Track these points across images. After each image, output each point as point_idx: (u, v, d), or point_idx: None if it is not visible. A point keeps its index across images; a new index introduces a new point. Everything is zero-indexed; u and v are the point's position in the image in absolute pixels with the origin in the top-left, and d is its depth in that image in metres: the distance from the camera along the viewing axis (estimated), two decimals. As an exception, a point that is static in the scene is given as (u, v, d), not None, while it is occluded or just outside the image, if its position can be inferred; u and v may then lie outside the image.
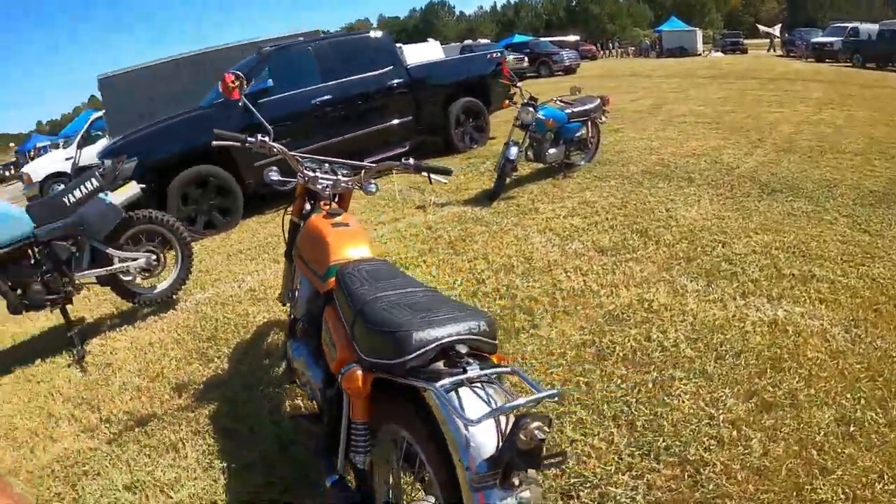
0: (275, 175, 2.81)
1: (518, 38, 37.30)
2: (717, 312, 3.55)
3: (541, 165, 6.83)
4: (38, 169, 13.78)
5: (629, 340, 3.29)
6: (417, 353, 1.50)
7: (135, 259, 4.39)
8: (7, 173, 31.49)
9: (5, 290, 3.89)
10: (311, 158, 2.87)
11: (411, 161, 2.63)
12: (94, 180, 4.18)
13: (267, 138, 2.79)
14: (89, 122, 13.87)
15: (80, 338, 4.21)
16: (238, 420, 3.15)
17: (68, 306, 4.24)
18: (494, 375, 1.51)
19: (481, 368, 1.48)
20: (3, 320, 4.87)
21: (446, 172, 2.69)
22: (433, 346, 1.50)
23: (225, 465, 2.81)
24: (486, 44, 29.36)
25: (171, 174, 5.92)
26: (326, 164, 2.80)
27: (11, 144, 52.64)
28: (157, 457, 2.96)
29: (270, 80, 6.56)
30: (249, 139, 2.76)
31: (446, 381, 1.44)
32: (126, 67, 10.17)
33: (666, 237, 4.80)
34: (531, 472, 1.33)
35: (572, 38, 39.25)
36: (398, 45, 10.01)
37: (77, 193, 4.11)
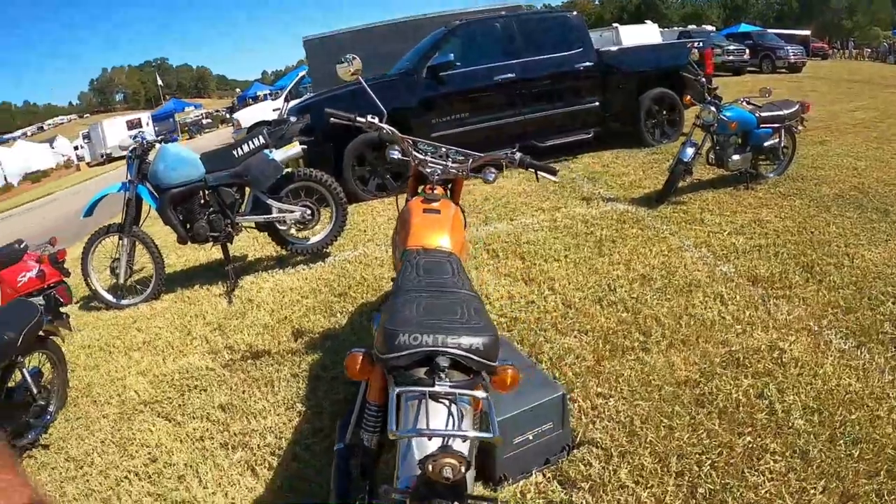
0: (395, 154, 3.00)
1: (744, 28, 32.93)
2: (854, 384, 2.87)
3: (724, 172, 6.10)
4: (247, 116, 15.88)
5: (737, 392, 2.86)
6: (399, 353, 1.60)
7: (291, 211, 5.19)
8: (228, 115, 37.19)
9: (175, 224, 5.02)
10: (428, 143, 3.05)
11: (517, 155, 2.74)
12: (261, 137, 5.05)
13: (376, 119, 3.05)
14: (298, 78, 15.79)
15: (235, 273, 5.17)
16: (329, 370, 3.65)
17: (229, 245, 5.23)
18: (465, 396, 1.57)
19: (452, 386, 1.54)
20: (176, 248, 6.14)
21: (551, 172, 2.74)
22: (416, 351, 1.59)
23: (304, 408, 3.31)
24: (707, 31, 27.34)
25: (353, 135, 6.68)
26: (442, 149, 2.96)
27: (238, 90, 62.18)
28: (255, 388, 3.60)
29: (452, 53, 6.85)
30: (359, 119, 3.05)
31: (409, 388, 1.55)
32: (330, 31, 11.49)
33: (832, 278, 3.97)
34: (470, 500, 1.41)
35: (803, 32, 34.43)
36: (614, 25, 9.37)
37: (245, 147, 5.03)
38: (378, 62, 8.22)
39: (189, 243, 5.18)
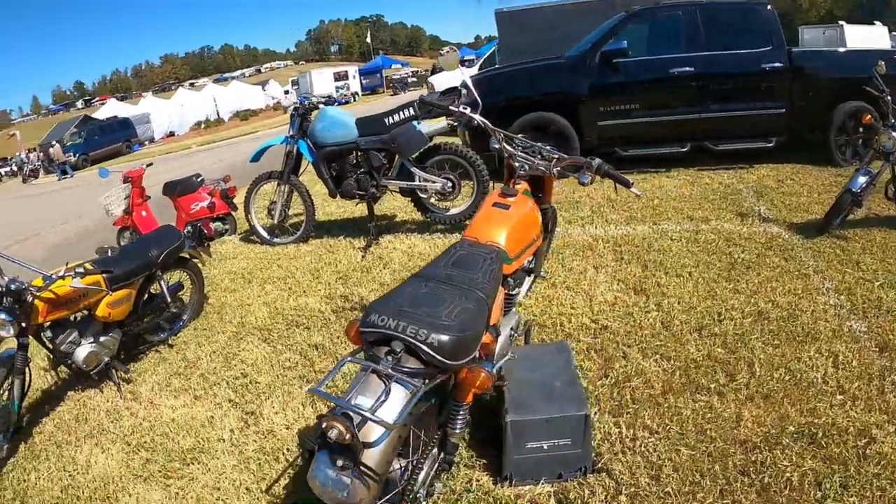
0: (496, 144, 3.13)
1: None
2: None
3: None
4: (442, 80, 16.17)
5: (793, 472, 2.49)
6: (365, 329, 1.97)
7: (433, 181, 5.61)
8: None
9: (327, 178, 5.73)
10: (523, 139, 3.15)
11: (596, 161, 2.74)
12: (411, 109, 5.53)
13: (468, 110, 3.30)
14: (493, 49, 15.84)
15: (376, 231, 5.76)
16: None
17: (374, 205, 5.83)
18: (406, 381, 1.87)
19: (393, 369, 1.84)
20: (331, 202, 6.84)
21: (625, 184, 2.72)
22: (377, 331, 1.94)
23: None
24: None
25: (516, 114, 6.84)
26: (537, 146, 3.07)
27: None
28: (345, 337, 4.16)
29: (626, 40, 6.66)
30: (452, 108, 3.35)
31: (355, 360, 1.98)
32: (521, 4, 11.43)
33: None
34: (362, 468, 1.75)
35: None
36: (840, 23, 8.29)
37: (396, 117, 5.55)
38: (560, 42, 8.27)
39: (338, 198, 5.82)
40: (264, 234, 6.41)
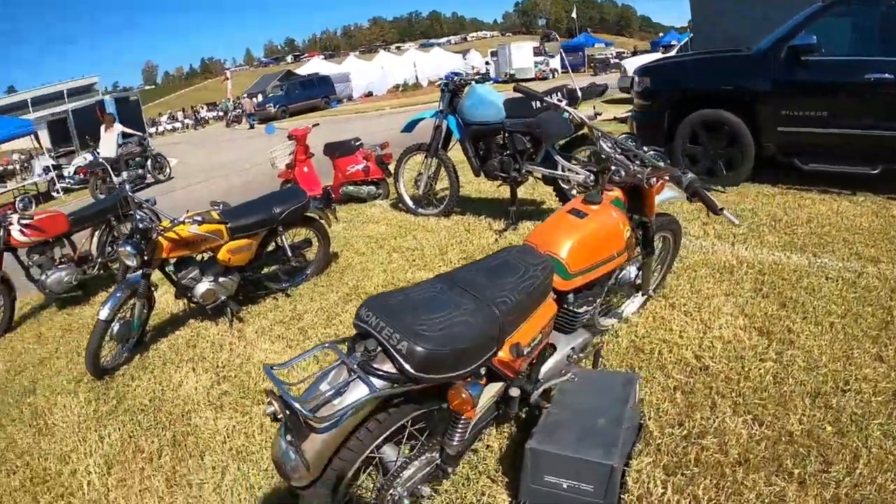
0: (606, 144, 3.09)
1: None
2: None
3: None
4: (635, 64, 15.53)
5: None
6: (355, 320, 2.09)
7: (576, 173, 5.63)
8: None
9: (472, 156, 5.95)
10: (623, 138, 3.11)
11: (688, 176, 2.61)
12: (559, 94, 5.57)
13: (563, 102, 3.40)
14: (689, 38, 14.89)
15: (515, 216, 5.87)
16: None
17: (517, 188, 5.93)
18: (364, 378, 1.92)
19: (360, 366, 1.95)
20: (474, 181, 7.01)
21: (713, 209, 2.54)
22: (359, 325, 2.06)
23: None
24: None
25: (689, 108, 6.52)
26: (641, 150, 2.99)
27: (660, 34, 57.47)
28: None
29: (815, 36, 5.96)
30: (547, 98, 3.40)
31: (333, 346, 2.12)
32: None
33: None
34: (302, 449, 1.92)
35: None
36: None
37: (544, 101, 5.63)
38: (760, 32, 7.60)
39: (480, 177, 6.06)
40: (410, 203, 6.85)
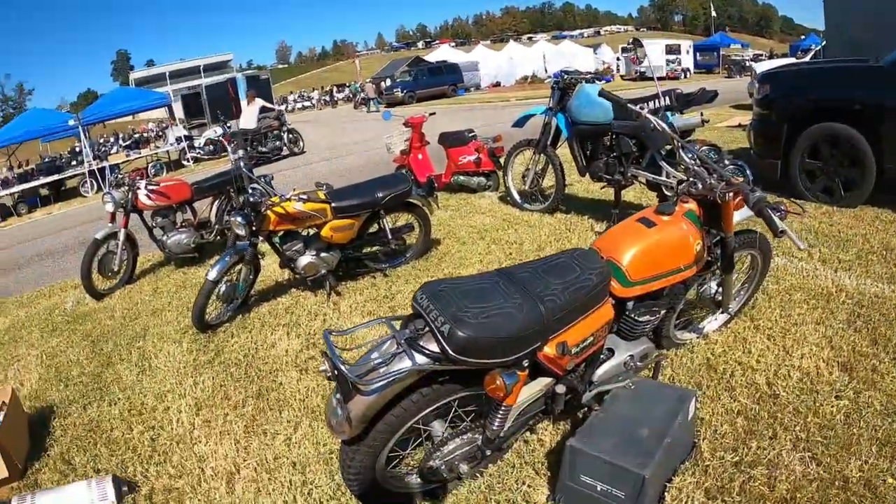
0: (686, 155, 3.12)
1: None
2: None
3: None
4: (764, 68, 14.65)
5: None
6: (413, 301, 2.34)
7: (677, 180, 5.64)
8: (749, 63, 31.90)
9: (577, 155, 6.02)
10: (704, 150, 3.18)
11: (756, 194, 2.58)
12: (667, 98, 5.58)
13: (645, 109, 3.40)
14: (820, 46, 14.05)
15: (617, 219, 5.79)
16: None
17: (621, 191, 5.95)
18: (409, 352, 2.17)
19: (406, 341, 2.20)
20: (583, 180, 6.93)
21: (774, 232, 2.54)
22: (413, 305, 2.31)
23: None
24: None
25: (810, 120, 6.25)
26: (721, 163, 3.12)
27: (802, 37, 53.14)
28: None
29: None
30: (629, 105, 3.43)
31: (387, 320, 2.37)
32: None
33: None
34: (349, 408, 2.16)
35: None
36: None
37: (652, 104, 5.61)
38: (890, 38, 7.20)
39: (586, 176, 6.19)
40: (517, 197, 7.07)
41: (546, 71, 43.61)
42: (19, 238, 12.73)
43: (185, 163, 19.29)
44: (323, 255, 4.95)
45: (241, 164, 5.39)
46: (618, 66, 41.52)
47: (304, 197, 4.68)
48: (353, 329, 2.64)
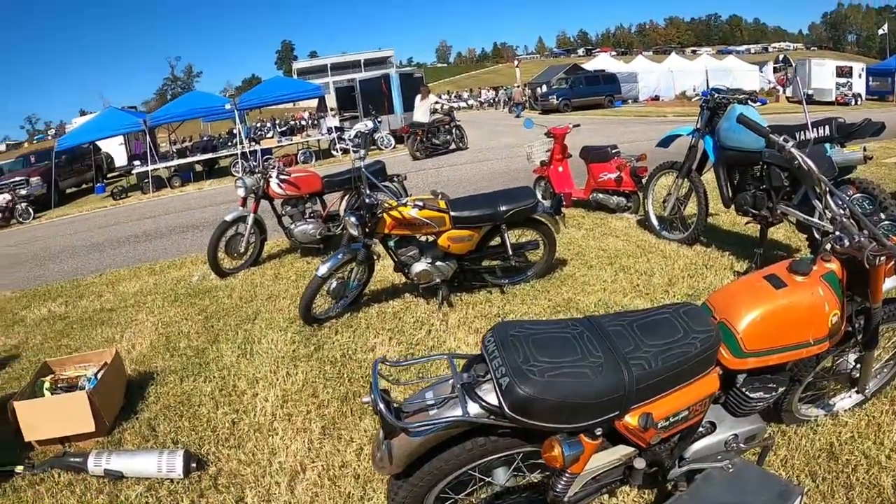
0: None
1: None
2: None
3: None
4: None
5: None
6: (482, 341, 2.18)
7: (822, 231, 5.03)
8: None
9: (723, 184, 5.51)
10: (859, 202, 2.71)
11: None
12: (827, 128, 5.05)
13: (790, 143, 2.85)
14: None
15: (759, 260, 5.28)
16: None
17: (766, 229, 5.40)
18: (462, 400, 2.02)
19: (462, 387, 2.05)
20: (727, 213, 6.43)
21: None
22: (482, 346, 2.15)
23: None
24: None
25: None
26: (881, 217, 2.70)
27: None
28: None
29: None
30: (771, 136, 3.03)
31: (449, 356, 2.23)
32: None
33: None
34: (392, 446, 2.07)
35: None
36: None
37: (809, 134, 5.10)
38: None
39: (731, 208, 5.72)
40: (655, 222, 6.72)
41: (707, 86, 42.03)
42: (168, 209, 13.85)
43: (334, 153, 20.23)
44: (438, 263, 4.93)
45: (362, 164, 5.45)
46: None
47: (421, 204, 4.69)
48: (411, 362, 2.56)
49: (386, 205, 4.66)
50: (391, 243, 4.97)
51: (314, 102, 23.55)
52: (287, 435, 3.42)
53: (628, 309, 2.54)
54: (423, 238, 5.05)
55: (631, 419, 2.04)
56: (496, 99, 50.93)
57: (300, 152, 19.88)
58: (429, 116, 17.29)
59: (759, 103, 6.00)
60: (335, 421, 3.51)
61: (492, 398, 1.96)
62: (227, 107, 18.87)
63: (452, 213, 4.84)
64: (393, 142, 20.02)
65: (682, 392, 2.13)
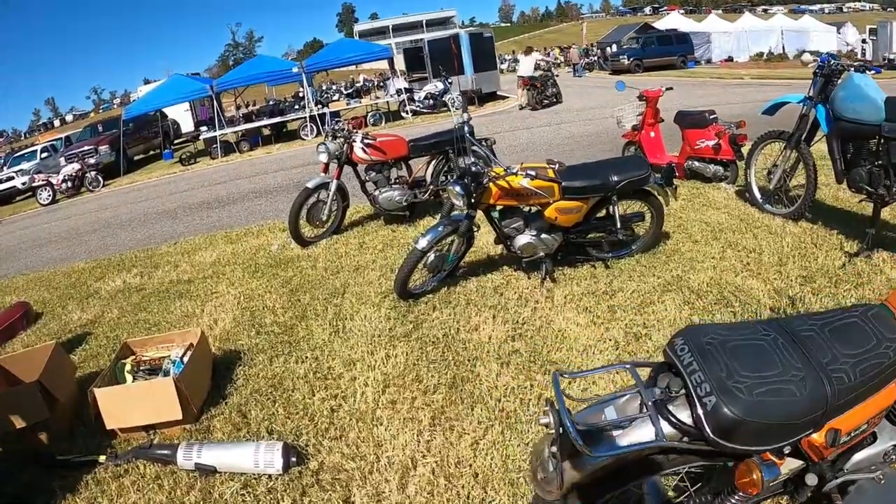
0: None
1: None
2: None
3: None
4: None
5: None
6: (667, 348, 1.93)
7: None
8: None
9: (836, 158, 4.99)
10: None
11: None
12: None
13: None
14: None
15: (871, 242, 4.80)
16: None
17: (881, 209, 4.87)
18: (654, 419, 1.79)
19: (654, 404, 1.81)
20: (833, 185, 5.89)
21: None
22: (669, 355, 1.91)
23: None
24: None
25: None
26: None
27: None
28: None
29: None
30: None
31: (629, 366, 1.96)
32: None
33: None
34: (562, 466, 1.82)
35: None
36: None
37: None
38: None
39: (843, 184, 5.21)
40: (757, 195, 6.20)
41: (783, 49, 40.19)
42: (238, 174, 13.81)
43: (403, 115, 20.02)
44: (543, 236, 4.56)
45: (465, 127, 5.07)
46: (863, 50, 37.02)
47: (533, 173, 4.28)
48: (589, 372, 2.33)
49: (493, 173, 4.30)
50: (495, 214, 4.60)
51: (375, 65, 23.36)
52: (393, 425, 3.14)
53: (811, 312, 2.20)
54: (528, 209, 4.67)
55: (818, 437, 1.85)
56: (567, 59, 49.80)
57: (369, 114, 19.68)
58: (532, 71, 18.88)
59: (874, 71, 5.41)
60: (444, 410, 3.22)
61: (687, 417, 1.74)
62: (295, 70, 18.75)
63: (563, 184, 4.45)
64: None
65: (867, 405, 1.94)
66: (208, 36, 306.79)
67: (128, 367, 3.65)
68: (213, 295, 5.39)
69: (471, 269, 5.06)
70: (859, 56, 35.85)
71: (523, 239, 4.51)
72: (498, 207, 4.55)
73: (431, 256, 4.47)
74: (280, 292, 5.14)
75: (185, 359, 3.63)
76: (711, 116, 7.21)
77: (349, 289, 4.98)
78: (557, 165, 4.49)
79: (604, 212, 4.91)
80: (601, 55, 39.25)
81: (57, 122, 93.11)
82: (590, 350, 3.67)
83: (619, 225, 4.80)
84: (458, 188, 4.25)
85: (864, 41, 38.07)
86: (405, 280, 4.42)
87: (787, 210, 5.82)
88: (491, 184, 4.32)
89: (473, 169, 4.27)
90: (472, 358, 3.68)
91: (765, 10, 78.32)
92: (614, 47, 38.89)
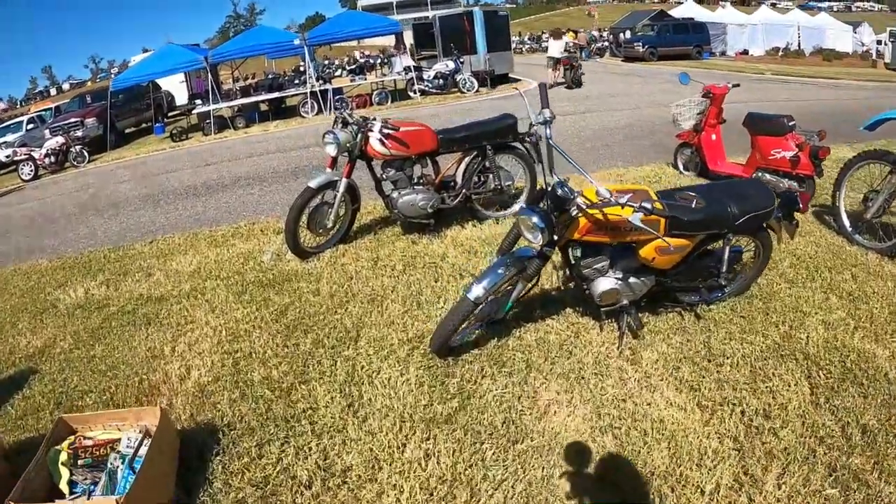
0: None
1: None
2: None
3: None
4: None
5: None
6: None
7: None
8: None
9: None
10: None
11: None
12: None
13: None
14: None
15: None
16: None
17: None
18: None
19: None
20: None
21: None
22: None
23: None
24: None
25: None
26: None
27: None
28: None
29: None
30: None
31: None
32: None
33: None
34: None
35: None
36: None
37: None
38: None
39: None
40: (846, 222, 5.03)
41: (799, 45, 39.40)
42: (231, 154, 12.53)
43: (411, 94, 18.84)
44: (631, 280, 3.38)
45: (546, 129, 3.66)
46: (880, 51, 35.98)
47: (648, 206, 2.91)
48: None
49: (585, 202, 3.02)
50: (577, 251, 3.36)
51: (377, 41, 22.17)
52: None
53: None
54: (618, 244, 3.38)
55: None
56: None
57: (375, 93, 18.31)
58: (561, 53, 19.39)
59: None
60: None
61: None
62: (296, 42, 17.40)
63: (671, 218, 3.20)
64: (476, 84, 18.50)
65: None
66: (211, 5, 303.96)
67: (63, 458, 2.52)
68: (189, 325, 4.20)
69: (529, 312, 3.81)
70: (873, 55, 35.03)
71: (605, 284, 3.30)
72: (580, 243, 3.30)
73: (484, 304, 3.24)
74: (273, 330, 3.94)
75: (142, 450, 2.52)
76: (790, 123, 5.96)
77: (364, 331, 3.77)
78: (694, 202, 3.31)
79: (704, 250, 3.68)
80: (614, 41, 38.07)
81: (53, 91, 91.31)
82: (705, 455, 2.60)
83: (725, 268, 3.61)
84: (535, 219, 3.02)
85: (879, 42, 37.23)
86: (448, 338, 3.22)
87: (882, 245, 4.73)
88: (581, 214, 3.06)
89: (560, 193, 3.02)
90: (549, 464, 2.54)
91: (773, 6, 77.18)
92: (628, 33, 37.68)
